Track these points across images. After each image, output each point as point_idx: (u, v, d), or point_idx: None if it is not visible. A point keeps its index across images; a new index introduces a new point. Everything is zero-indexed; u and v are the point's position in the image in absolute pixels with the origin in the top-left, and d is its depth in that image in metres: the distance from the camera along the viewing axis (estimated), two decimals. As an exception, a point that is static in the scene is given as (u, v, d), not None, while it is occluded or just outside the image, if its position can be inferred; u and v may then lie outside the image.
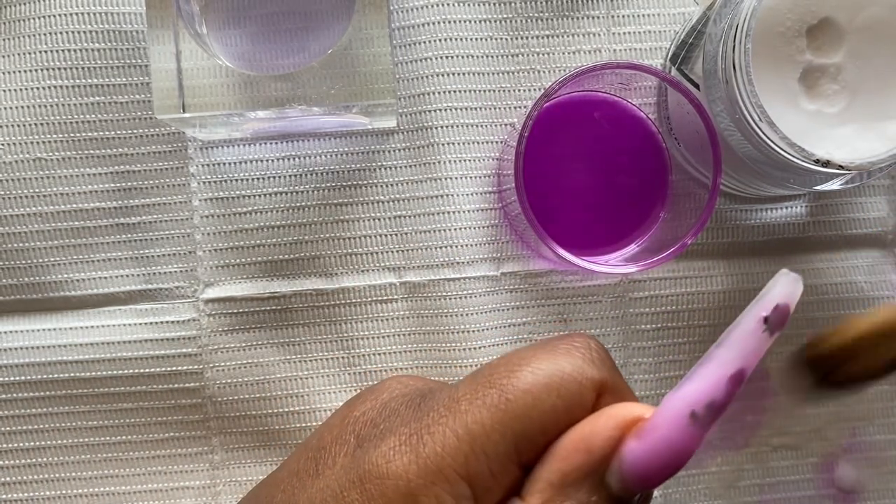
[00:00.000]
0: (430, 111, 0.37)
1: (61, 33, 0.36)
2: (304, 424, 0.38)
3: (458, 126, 0.37)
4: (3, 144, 0.37)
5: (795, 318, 0.39)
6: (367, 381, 0.38)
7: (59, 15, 0.36)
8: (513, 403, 0.23)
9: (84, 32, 0.36)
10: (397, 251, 0.37)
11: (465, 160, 0.37)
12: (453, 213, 0.37)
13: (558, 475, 0.23)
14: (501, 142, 0.37)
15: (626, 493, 0.23)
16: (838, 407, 0.40)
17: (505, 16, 0.37)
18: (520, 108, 0.37)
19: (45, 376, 0.37)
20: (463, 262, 0.38)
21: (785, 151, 0.31)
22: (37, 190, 0.37)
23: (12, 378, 0.37)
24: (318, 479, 0.25)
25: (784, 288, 0.22)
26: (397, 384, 0.27)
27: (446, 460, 0.23)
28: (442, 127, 0.37)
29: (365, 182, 0.37)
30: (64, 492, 0.38)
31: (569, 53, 0.38)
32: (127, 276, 0.37)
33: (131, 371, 0.37)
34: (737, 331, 0.22)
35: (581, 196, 0.37)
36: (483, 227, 0.38)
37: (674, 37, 0.37)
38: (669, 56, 0.36)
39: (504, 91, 0.37)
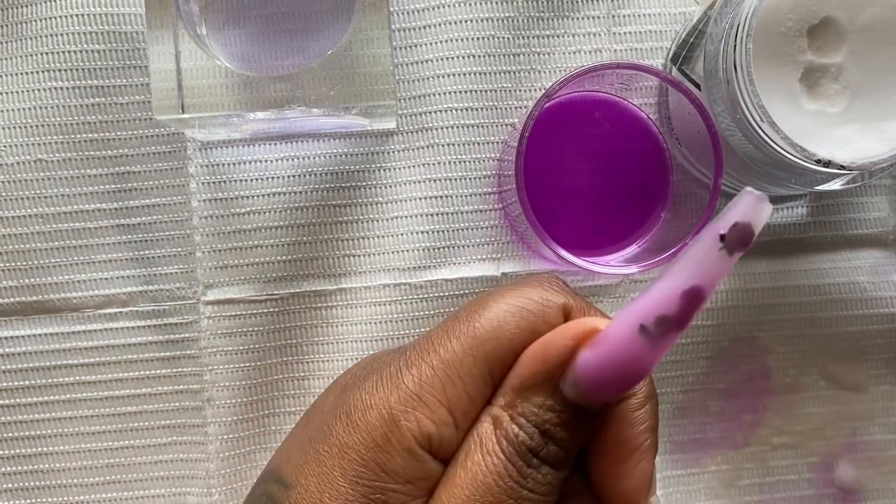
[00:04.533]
0: (429, 112, 0.37)
1: (61, 35, 0.36)
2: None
3: (458, 127, 0.37)
4: (3, 146, 0.36)
5: (797, 318, 0.40)
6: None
7: (60, 17, 0.36)
8: (481, 329, 0.25)
9: (84, 34, 0.36)
10: (397, 252, 0.37)
11: (465, 161, 0.37)
12: (453, 213, 0.37)
13: (518, 381, 0.24)
14: (502, 142, 0.37)
15: (580, 400, 0.24)
16: (838, 406, 0.40)
17: (506, 15, 0.37)
18: (520, 108, 0.37)
19: (44, 380, 0.37)
20: (463, 263, 0.37)
21: (786, 151, 0.31)
22: (37, 191, 0.37)
23: (11, 383, 0.37)
24: (307, 428, 0.26)
25: (745, 206, 0.21)
26: (380, 353, 0.29)
27: (425, 388, 0.24)
28: (442, 128, 0.37)
29: (364, 183, 0.37)
30: (66, 498, 0.37)
31: (569, 53, 0.37)
32: (126, 277, 0.37)
33: (131, 374, 0.37)
34: (694, 247, 0.21)
35: (582, 196, 0.37)
36: (483, 228, 0.37)
37: (675, 37, 0.37)
38: (670, 56, 0.36)
39: (504, 91, 0.37)
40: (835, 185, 0.33)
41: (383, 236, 0.37)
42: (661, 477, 0.39)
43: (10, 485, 0.37)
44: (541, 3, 0.37)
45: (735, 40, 0.31)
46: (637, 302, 0.22)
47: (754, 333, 0.39)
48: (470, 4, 0.37)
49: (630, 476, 0.25)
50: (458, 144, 0.37)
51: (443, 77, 0.37)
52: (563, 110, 0.36)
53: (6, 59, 0.36)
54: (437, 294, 0.37)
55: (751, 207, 0.21)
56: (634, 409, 0.25)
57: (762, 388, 0.39)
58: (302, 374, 0.38)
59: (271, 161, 0.37)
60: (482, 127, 0.37)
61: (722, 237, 0.21)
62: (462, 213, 0.37)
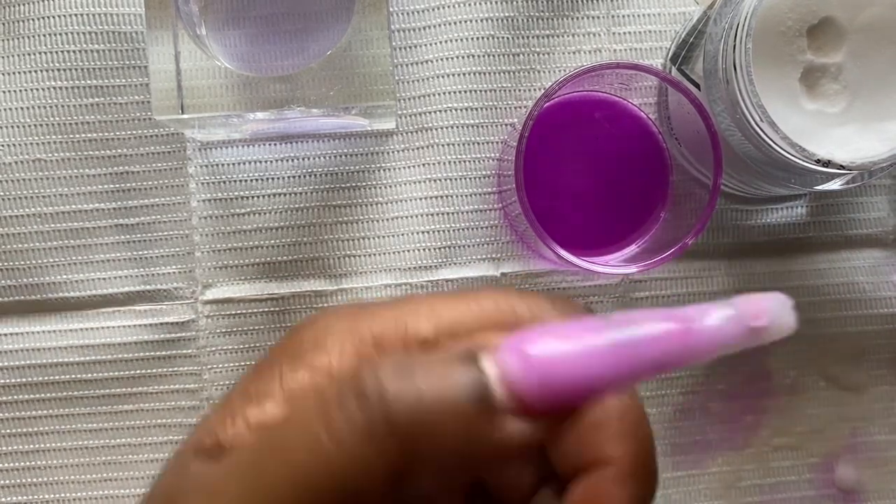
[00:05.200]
0: (429, 112, 0.37)
1: (60, 34, 0.36)
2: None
3: (457, 127, 0.37)
4: (2, 145, 0.36)
5: (798, 319, 0.40)
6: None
7: (59, 16, 0.36)
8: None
9: (83, 34, 0.36)
10: (397, 253, 0.37)
11: (464, 161, 0.37)
12: (453, 213, 0.37)
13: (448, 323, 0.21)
14: (501, 142, 0.37)
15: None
16: (839, 407, 0.40)
17: (506, 14, 0.37)
18: (520, 108, 0.37)
19: (43, 378, 0.37)
20: (463, 263, 0.37)
21: (786, 151, 0.31)
22: (36, 191, 0.37)
23: (10, 380, 0.37)
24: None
25: (776, 308, 0.20)
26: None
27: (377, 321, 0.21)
28: (442, 128, 0.37)
29: (364, 183, 0.37)
30: (63, 495, 0.37)
31: (569, 53, 0.37)
32: (125, 277, 0.37)
33: (130, 372, 0.37)
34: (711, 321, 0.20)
35: (581, 196, 0.37)
36: (483, 228, 0.37)
37: (674, 37, 0.37)
38: (670, 56, 0.36)
39: (504, 91, 0.37)
40: (834, 185, 0.33)
41: (383, 236, 0.37)
42: (662, 478, 0.39)
43: (7, 481, 0.37)
44: (540, 2, 0.37)
45: (734, 40, 0.31)
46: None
47: (754, 334, 0.39)
48: (469, 4, 0.37)
49: None
50: (458, 144, 0.37)
51: (442, 77, 0.37)
52: (563, 110, 0.36)
53: (4, 57, 0.36)
54: (436, 294, 0.37)
55: (779, 312, 0.20)
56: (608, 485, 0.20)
57: (762, 390, 0.39)
58: (301, 374, 0.38)
59: (271, 161, 0.37)
60: (482, 127, 0.37)
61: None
62: (462, 213, 0.37)
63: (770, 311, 0.20)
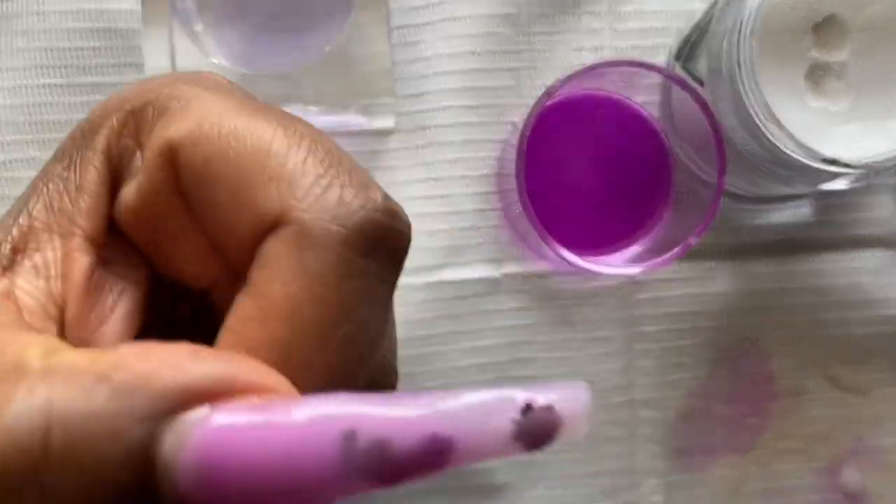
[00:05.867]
0: (429, 111, 0.37)
1: (55, 31, 0.36)
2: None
3: (457, 125, 0.37)
4: (-5, 144, 0.36)
5: (801, 320, 0.40)
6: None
7: (53, 12, 0.36)
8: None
9: (78, 30, 0.36)
10: (396, 253, 0.37)
11: (465, 160, 0.37)
12: (453, 213, 0.37)
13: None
14: (502, 141, 0.37)
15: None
16: (844, 410, 0.39)
17: (507, 11, 0.37)
18: (521, 106, 0.37)
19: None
20: (463, 264, 0.37)
21: (791, 150, 0.31)
22: (29, 191, 0.36)
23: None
24: None
25: (573, 395, 0.15)
26: None
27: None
28: (441, 126, 0.37)
29: (363, 182, 0.37)
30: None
31: (571, 51, 0.37)
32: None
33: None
34: (478, 395, 0.15)
35: (583, 196, 0.37)
36: (483, 228, 0.37)
37: (677, 34, 0.37)
38: (673, 53, 0.36)
39: (505, 89, 0.37)
40: (839, 185, 0.33)
41: (382, 237, 0.37)
42: (665, 482, 0.39)
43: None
44: (542, -1, 0.37)
45: (739, 37, 0.30)
46: (355, 399, 0.14)
47: (757, 336, 0.39)
48: (470, 1, 0.36)
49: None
50: (458, 143, 0.37)
51: (442, 75, 0.36)
52: (565, 109, 0.36)
53: (-2, 54, 0.36)
54: (437, 296, 0.37)
55: (578, 401, 0.15)
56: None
57: (766, 392, 0.39)
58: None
59: (269, 161, 0.37)
60: (482, 125, 0.37)
61: (525, 410, 0.14)
62: (462, 212, 0.37)
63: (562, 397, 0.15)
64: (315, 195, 0.17)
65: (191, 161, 0.18)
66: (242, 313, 0.17)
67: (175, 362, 0.14)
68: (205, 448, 0.14)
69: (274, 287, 0.17)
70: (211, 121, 0.18)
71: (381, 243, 0.17)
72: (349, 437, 0.14)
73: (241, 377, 0.15)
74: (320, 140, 0.18)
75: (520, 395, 0.14)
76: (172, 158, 0.18)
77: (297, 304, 0.16)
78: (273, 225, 0.17)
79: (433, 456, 0.14)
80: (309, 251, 0.16)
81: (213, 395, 0.14)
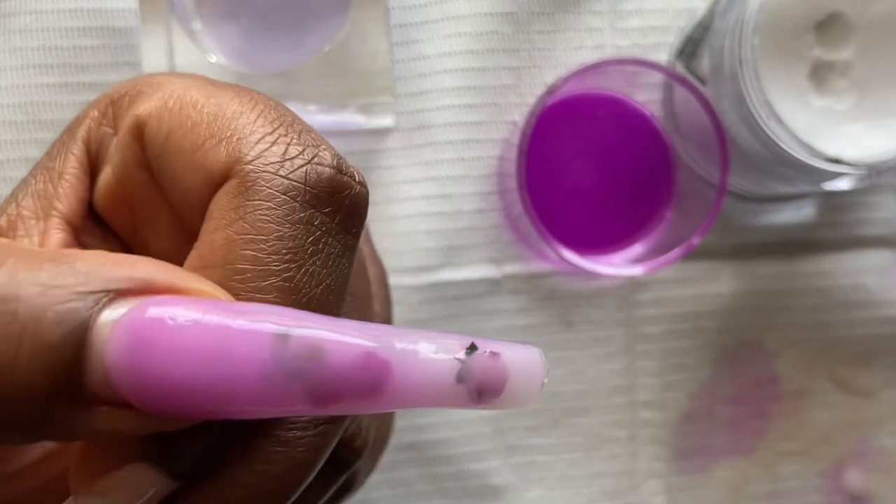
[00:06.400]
0: (429, 109, 0.36)
1: (52, 30, 0.35)
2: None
3: (458, 124, 0.36)
4: (-8, 144, 0.36)
5: (804, 320, 0.40)
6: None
7: (50, 11, 0.35)
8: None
9: (75, 29, 0.35)
10: (395, 253, 0.37)
11: (465, 159, 0.37)
12: (453, 213, 0.37)
13: None
14: (503, 140, 0.37)
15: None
16: (847, 411, 0.39)
17: (508, 10, 0.36)
18: (522, 105, 0.37)
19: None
20: (463, 264, 0.37)
21: (793, 149, 0.30)
22: (27, 190, 0.36)
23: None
24: None
25: (523, 355, 0.15)
26: None
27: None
28: (441, 126, 0.36)
29: (363, 182, 0.37)
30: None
31: (572, 49, 0.37)
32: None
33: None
34: (419, 335, 0.15)
35: (585, 196, 0.36)
36: (484, 228, 0.37)
37: (679, 32, 0.37)
38: (675, 52, 0.36)
39: (506, 88, 0.37)
40: (842, 184, 0.33)
41: (382, 237, 0.37)
42: (667, 484, 0.39)
43: None
44: (543, -3, 0.37)
45: (741, 36, 0.30)
46: (298, 312, 0.14)
47: (760, 337, 0.39)
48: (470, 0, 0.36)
49: None
50: (458, 142, 0.37)
51: (442, 73, 0.36)
52: (566, 107, 0.36)
53: (-5, 53, 0.36)
54: (437, 296, 0.37)
55: (529, 362, 0.14)
56: None
57: (769, 393, 0.39)
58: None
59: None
60: (483, 124, 0.37)
61: (470, 350, 0.14)
62: (462, 212, 0.37)
63: (514, 367, 0.14)
64: (259, 150, 0.17)
65: (154, 136, 0.18)
66: (188, 266, 0.17)
67: (117, 259, 0.15)
68: (137, 331, 0.14)
69: (215, 236, 0.16)
70: (175, 97, 0.18)
71: (327, 195, 0.17)
72: (282, 339, 0.14)
73: (172, 279, 0.15)
74: (275, 107, 0.18)
75: (469, 339, 0.14)
76: (139, 135, 0.18)
77: (233, 248, 0.16)
78: (221, 181, 0.17)
79: (368, 376, 0.14)
80: (250, 200, 0.16)
81: (147, 289, 0.14)
